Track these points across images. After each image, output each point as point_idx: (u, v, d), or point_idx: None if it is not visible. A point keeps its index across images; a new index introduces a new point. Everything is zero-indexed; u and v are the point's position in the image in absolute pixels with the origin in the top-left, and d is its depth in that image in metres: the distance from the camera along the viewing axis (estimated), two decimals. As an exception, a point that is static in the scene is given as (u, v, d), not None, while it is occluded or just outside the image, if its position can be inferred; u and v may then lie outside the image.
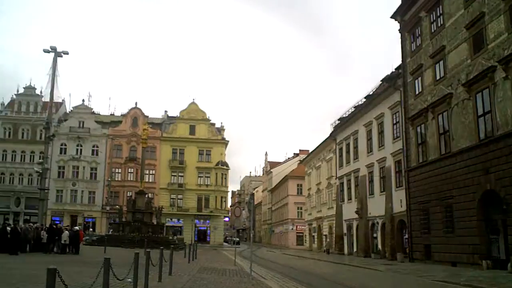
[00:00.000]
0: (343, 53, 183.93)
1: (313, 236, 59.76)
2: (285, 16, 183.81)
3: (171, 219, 66.90)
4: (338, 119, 47.79)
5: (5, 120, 69.02)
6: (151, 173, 67.54)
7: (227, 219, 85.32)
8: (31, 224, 27.61)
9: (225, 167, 68.27)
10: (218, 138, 69.56)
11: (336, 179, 48.17)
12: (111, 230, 47.44)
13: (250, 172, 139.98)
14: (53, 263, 19.01)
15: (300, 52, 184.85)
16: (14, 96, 71.12)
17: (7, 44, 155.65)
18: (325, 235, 52.31)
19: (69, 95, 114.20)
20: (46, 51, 31.08)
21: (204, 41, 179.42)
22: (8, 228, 24.50)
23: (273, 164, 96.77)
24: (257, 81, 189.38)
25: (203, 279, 16.12)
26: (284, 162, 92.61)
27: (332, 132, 49.54)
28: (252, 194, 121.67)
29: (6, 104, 70.91)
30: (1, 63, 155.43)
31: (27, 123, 67.73)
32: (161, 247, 15.49)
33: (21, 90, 70.31)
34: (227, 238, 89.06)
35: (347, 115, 45.05)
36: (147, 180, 63.65)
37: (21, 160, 67.94)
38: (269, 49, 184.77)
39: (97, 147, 68.52)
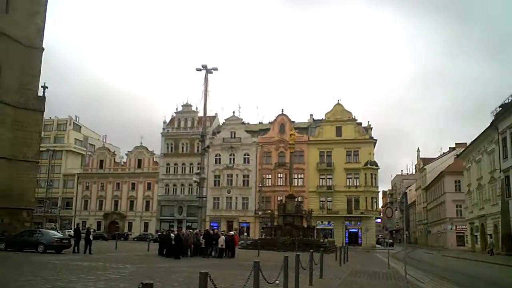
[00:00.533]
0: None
1: (476, 236, 54.55)
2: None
3: (321, 222, 66.79)
4: (500, 106, 43.02)
5: (167, 136, 76.18)
6: (299, 177, 68.44)
7: (378, 220, 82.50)
8: (191, 230, 29.52)
9: (374, 166, 66.22)
10: (365, 137, 67.87)
11: (500, 172, 43.34)
12: (263, 234, 48.84)
13: (402, 171, 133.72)
14: (211, 266, 20.15)
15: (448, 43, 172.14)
16: (174, 114, 78.21)
17: (166, 66, 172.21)
18: (490, 235, 47.34)
19: (221, 109, 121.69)
20: (198, 69, 33.23)
21: (345, 40, 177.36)
22: (172, 235, 26.50)
23: (427, 161, 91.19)
24: (406, 74, 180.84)
25: (355, 283, 15.51)
26: (439, 157, 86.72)
27: (493, 120, 44.76)
28: (405, 194, 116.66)
29: (167, 122, 78.23)
30: (162, 87, 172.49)
31: (185, 138, 74.05)
32: (311, 250, 15.20)
33: (180, 108, 77.02)
34: (380, 239, 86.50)
35: (510, 100, 40.26)
36: (296, 184, 64.50)
37: (182, 172, 74.12)
38: (415, 45, 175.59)
39: (248, 155, 71.65)
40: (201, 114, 39.29)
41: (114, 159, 79.96)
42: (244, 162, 71.53)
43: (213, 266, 20.68)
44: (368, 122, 70.41)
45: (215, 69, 33.49)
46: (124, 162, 79.54)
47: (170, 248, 26.04)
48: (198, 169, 40.31)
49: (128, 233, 69.85)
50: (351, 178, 67.20)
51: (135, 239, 63.45)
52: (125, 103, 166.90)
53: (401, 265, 25.14)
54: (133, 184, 76.69)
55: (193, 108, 75.07)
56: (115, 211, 76.55)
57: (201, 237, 28.34)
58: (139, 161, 77.53)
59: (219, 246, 27.25)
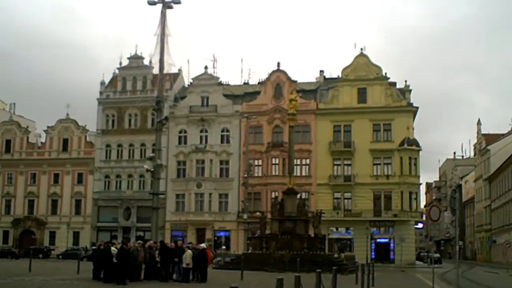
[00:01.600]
0: None
1: None
2: None
3: (336, 229, 67.04)
4: None
5: (107, 105, 75.95)
6: (304, 163, 68.57)
7: (420, 225, 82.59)
8: (140, 242, 29.33)
9: (414, 147, 66.38)
10: (401, 104, 67.86)
11: None
12: (250, 247, 48.85)
13: (454, 153, 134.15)
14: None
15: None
16: (117, 71, 77.69)
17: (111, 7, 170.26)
18: None
19: (188, 62, 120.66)
20: (151, 2, 32.78)
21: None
22: (114, 249, 26.33)
23: (491, 138, 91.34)
24: (461, 14, 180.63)
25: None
26: (509, 133, 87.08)
27: None
28: (458, 187, 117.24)
29: (107, 83, 77.79)
30: (99, 30, 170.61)
31: (134, 106, 73.88)
32: (319, 270, 15.17)
33: (125, 62, 76.78)
34: (421, 254, 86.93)
35: None
36: (298, 174, 64.54)
37: (129, 157, 74.15)
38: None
39: (228, 131, 71.68)
40: (157, 70, 38.90)
41: (27, 138, 79.43)
42: (222, 141, 71.65)
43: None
44: (406, 82, 70.41)
45: (177, 2, 33.02)
46: (42, 143, 79.14)
47: (111, 269, 25.86)
48: (152, 153, 39.77)
49: (50, 248, 69.71)
50: (379, 164, 67.36)
51: (60, 256, 63.29)
52: (43, 54, 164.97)
53: (451, 290, 25.26)
54: (56, 175, 76.46)
55: (145, 62, 74.56)
56: (29, 215, 76.33)
57: (157, 252, 28.19)
58: (65, 141, 77.16)
59: (184, 265, 27.17)
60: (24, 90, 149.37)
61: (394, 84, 70.26)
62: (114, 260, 25.68)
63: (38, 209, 76.35)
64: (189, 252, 27.46)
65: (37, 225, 75.80)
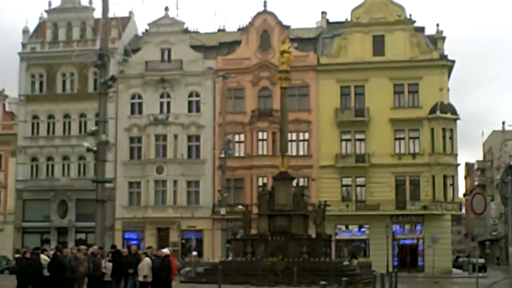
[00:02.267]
0: None
1: None
2: None
3: (346, 227, 67.51)
4: None
5: (32, 62, 75.23)
6: (301, 138, 68.89)
7: (458, 222, 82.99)
8: (83, 247, 29.08)
9: (449, 115, 66.54)
10: (432, 57, 67.94)
11: None
12: (230, 253, 48.86)
13: (504, 123, 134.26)
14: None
15: None
16: (45, 15, 77.00)
17: None
18: None
19: (141, 2, 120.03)
20: None
21: None
22: (45, 258, 26.10)
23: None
24: None
25: None
26: None
27: None
28: (510, 168, 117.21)
29: (31, 32, 77.03)
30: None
31: (68, 63, 72.84)
32: (324, 283, 15.14)
33: (56, 3, 76.07)
34: (460, 259, 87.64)
35: None
36: (294, 153, 64.62)
37: (64, 132, 73.89)
38: None
39: (198, 95, 71.72)
40: (99, 14, 38.56)
41: None
42: (191, 110, 71.91)
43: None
44: (438, 26, 70.43)
45: None
46: None
47: (41, 285, 25.68)
48: (94, 126, 39.16)
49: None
50: (403, 138, 67.66)
51: (-27, 268, 63.07)
52: None
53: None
54: (-37, 158, 75.80)
55: (83, 2, 74.76)
56: None
57: (104, 260, 28.02)
58: (-24, 111, 76.30)
59: (141, 278, 26.96)
60: None
61: (422, 29, 70.41)
62: (46, 272, 25.47)
63: None
64: (146, 260, 27.16)
65: None
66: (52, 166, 73.76)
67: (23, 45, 75.72)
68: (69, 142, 72.55)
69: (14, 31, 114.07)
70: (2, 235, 73.55)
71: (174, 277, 28.67)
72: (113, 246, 31.06)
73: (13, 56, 75.94)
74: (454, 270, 71.43)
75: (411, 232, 67.67)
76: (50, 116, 74.21)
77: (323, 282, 14.76)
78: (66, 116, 73.84)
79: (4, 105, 76.71)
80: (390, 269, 47.28)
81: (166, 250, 28.88)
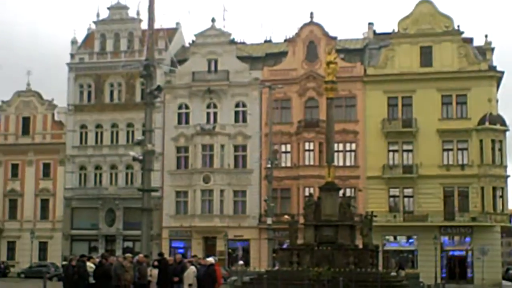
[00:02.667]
0: None
1: None
2: None
3: (394, 238, 67.07)
4: None
5: (81, 72, 75.94)
6: (348, 148, 68.65)
7: (508, 233, 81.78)
8: (129, 255, 29.18)
9: (499, 126, 65.78)
10: (481, 68, 67.23)
11: None
12: (277, 263, 48.77)
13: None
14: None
15: None
16: (93, 26, 77.75)
17: None
18: None
19: (188, 14, 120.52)
20: None
21: None
22: (91, 265, 26.23)
23: None
24: None
25: None
26: None
27: None
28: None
29: (80, 42, 77.83)
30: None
31: (116, 73, 73.77)
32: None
33: (104, 14, 76.84)
34: (510, 271, 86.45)
35: None
36: (341, 164, 64.58)
37: (112, 141, 74.45)
38: None
39: (244, 105, 71.74)
40: (146, 25, 38.70)
41: (-26, 117, 79.79)
42: (237, 120, 71.92)
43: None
44: (486, 37, 69.70)
45: None
46: (-5, 124, 79.35)
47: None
48: (141, 135, 39.50)
49: (8, 264, 70.30)
50: (451, 149, 67.07)
51: (22, 275, 63.73)
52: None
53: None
54: (14, 167, 77.02)
55: (131, 14, 75.09)
56: (-21, 221, 76.75)
57: (150, 268, 28.09)
58: (25, 121, 77.55)
59: (186, 286, 26.99)
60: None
61: (470, 40, 69.64)
62: (91, 280, 25.57)
63: (-7, 212, 76.85)
64: (192, 269, 27.25)
65: (-9, 234, 76.28)
66: (100, 175, 74.30)
67: (72, 56, 76.52)
68: (116, 151, 72.98)
69: (63, 42, 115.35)
70: (51, 243, 74.34)
71: (219, 286, 28.70)
72: (160, 254, 31.11)
73: (62, 67, 76.75)
74: (504, 283, 70.59)
75: (460, 243, 67.04)
76: (98, 126, 74.77)
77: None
78: (114, 125, 74.37)
79: (53, 115, 77.42)
80: (438, 281, 46.81)
81: (211, 259, 28.91)
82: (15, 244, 75.71)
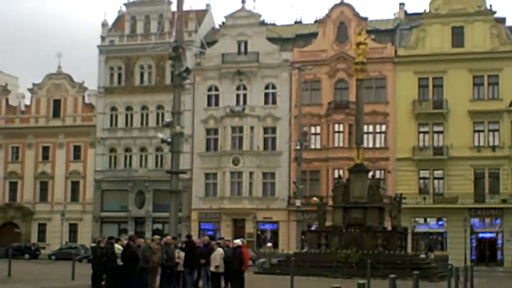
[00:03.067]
0: None
1: None
2: None
3: (424, 220, 66.89)
4: None
5: (111, 54, 76.40)
6: (378, 130, 68.53)
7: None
8: (157, 237, 29.16)
9: (530, 108, 65.28)
10: (512, 48, 66.66)
11: None
12: (305, 245, 48.81)
13: None
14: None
15: None
16: (123, 9, 77.95)
17: None
18: None
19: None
20: None
21: None
22: (118, 247, 26.21)
23: None
24: None
25: None
26: None
27: None
28: None
29: (110, 25, 78.16)
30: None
31: (146, 55, 73.84)
32: (393, 276, 14.78)
33: (134, -3, 76.98)
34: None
35: None
36: (370, 145, 64.59)
37: (142, 124, 74.73)
38: None
39: (274, 87, 71.69)
40: (176, 7, 38.60)
41: (7, 99, 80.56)
42: (267, 102, 71.93)
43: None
44: (519, 16, 68.93)
45: None
46: (26, 106, 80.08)
47: (114, 274, 25.86)
48: (170, 117, 39.64)
49: (39, 245, 71.00)
50: (482, 131, 66.63)
51: (53, 257, 64.34)
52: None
53: None
54: (45, 149, 77.53)
55: (162, -3, 75.21)
56: (11, 202, 77.67)
57: (178, 250, 28.04)
58: (56, 103, 78.11)
59: (212, 268, 26.85)
60: (2, 36, 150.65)
61: (502, 20, 69.20)
62: (119, 262, 25.61)
63: (23, 194, 77.57)
64: (219, 251, 27.06)
65: (22, 215, 76.91)
66: (130, 157, 74.69)
67: (102, 38, 76.81)
68: (146, 133, 73.19)
69: (93, 25, 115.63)
70: (81, 225, 74.97)
71: (246, 268, 28.57)
72: (188, 236, 31.10)
73: (92, 49, 77.01)
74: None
75: (490, 225, 66.75)
76: (128, 108, 75.07)
77: (392, 276, 14.34)
78: (144, 108, 74.61)
79: (83, 97, 77.87)
80: (468, 263, 46.45)
81: (238, 241, 28.73)
82: (46, 226, 76.46)
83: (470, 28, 67.78)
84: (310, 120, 68.41)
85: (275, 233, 69.52)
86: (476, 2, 67.94)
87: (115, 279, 25.94)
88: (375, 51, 61.91)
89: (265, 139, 71.13)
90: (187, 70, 34.85)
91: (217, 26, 78.47)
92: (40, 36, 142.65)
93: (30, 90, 79.87)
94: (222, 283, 27.59)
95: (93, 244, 36.80)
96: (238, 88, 72.12)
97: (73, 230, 75.24)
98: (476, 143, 66.68)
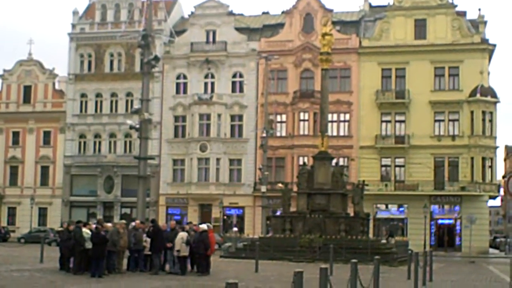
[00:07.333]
0: None
1: None
2: None
3: (385, 206, 67.38)
4: None
5: (81, 41, 75.86)
6: (342, 119, 68.78)
7: (495, 202, 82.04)
8: (123, 222, 29.23)
9: (489, 97, 65.75)
10: (473, 40, 67.15)
11: None
12: (270, 230, 49.08)
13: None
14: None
15: None
16: (94, -3, 77.10)
17: None
18: None
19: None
20: None
21: None
22: (87, 231, 26.20)
23: None
24: None
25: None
26: None
27: None
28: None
29: (81, 13, 77.52)
30: None
31: (116, 43, 73.42)
32: (355, 260, 14.80)
33: (105, -15, 76.37)
34: (497, 239, 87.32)
35: None
36: (334, 133, 64.83)
37: (111, 110, 74.37)
38: None
39: (241, 76, 71.68)
40: (145, -5, 38.61)
41: (-23, 85, 79.59)
42: (234, 90, 71.94)
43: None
44: (479, 11, 69.54)
45: None
46: (-4, 92, 79.32)
47: (83, 257, 25.87)
48: (139, 105, 39.75)
49: (8, 229, 70.65)
50: (442, 120, 67.14)
51: (22, 240, 63.92)
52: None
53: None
54: (15, 134, 77.12)
55: (130, -16, 74.87)
56: (-19, 187, 77.00)
57: (145, 234, 28.11)
58: (27, 89, 77.56)
59: (175, 252, 27.13)
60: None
61: (463, 14, 69.51)
62: (88, 245, 25.61)
63: (-7, 178, 77.07)
64: (180, 235, 27.28)
65: (-8, 199, 76.56)
66: (99, 143, 74.37)
67: (73, 26, 76.27)
68: (116, 120, 72.78)
69: (64, 12, 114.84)
70: (51, 209, 74.60)
71: (212, 252, 28.78)
72: (153, 221, 31.29)
73: (63, 36, 76.74)
74: (491, 250, 71.22)
75: (449, 212, 67.48)
76: (98, 95, 74.70)
77: (354, 260, 14.39)
78: (113, 95, 74.30)
79: (54, 84, 77.36)
80: (427, 248, 46.89)
81: (204, 226, 29.01)
82: (16, 210, 76.13)
83: (432, 21, 68.12)
84: (276, 109, 68.27)
85: (241, 218, 69.70)
86: (439, -5, 68.46)
87: (82, 261, 25.99)
88: (340, 42, 62.27)
89: (232, 127, 71.16)
90: (156, 58, 34.94)
91: (186, 16, 78.24)
92: (11, 22, 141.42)
93: (0, 76, 79.12)
94: (189, 266, 27.88)
95: (60, 228, 36.77)
96: (206, 77, 72.05)
97: (42, 214, 74.98)
98: (436, 133, 67.21)
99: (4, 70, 78.66)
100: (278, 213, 50.57)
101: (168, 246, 27.56)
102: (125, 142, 72.95)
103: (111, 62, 75.23)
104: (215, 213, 68.90)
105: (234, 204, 69.99)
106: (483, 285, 28.81)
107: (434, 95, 67.23)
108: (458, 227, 66.67)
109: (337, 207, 44.91)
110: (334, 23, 61.82)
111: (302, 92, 68.73)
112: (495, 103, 66.62)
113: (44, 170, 75.99)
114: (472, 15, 69.75)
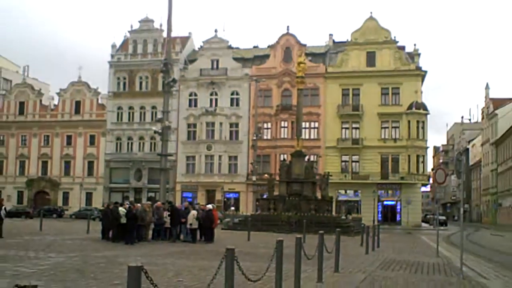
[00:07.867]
0: None
1: None
2: None
3: (344, 192, 67.31)
4: None
5: (118, 67, 75.63)
6: (312, 126, 68.64)
7: (426, 188, 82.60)
8: (148, 203, 29.36)
9: (422, 110, 66.08)
10: (410, 68, 67.40)
11: None
12: (258, 209, 49.22)
13: (462, 118, 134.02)
14: (174, 255, 19.98)
15: None
16: (128, 35, 77.20)
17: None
18: None
19: (198, 27, 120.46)
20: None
21: None
22: (122, 209, 26.31)
23: (498, 103, 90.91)
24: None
25: (386, 279, 15.34)
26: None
27: None
28: (466, 150, 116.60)
29: (118, 46, 77.43)
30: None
31: (145, 69, 74.03)
32: (321, 231, 14.78)
33: (136, 26, 76.32)
34: (428, 216, 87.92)
35: None
36: (307, 137, 64.59)
37: (140, 119, 74.16)
38: None
39: (237, 94, 71.60)
40: (166, 34, 38.63)
41: (41, 100, 79.56)
42: (232, 104, 71.53)
43: (178, 255, 20.67)
44: (415, 45, 70.13)
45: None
46: (55, 105, 79.29)
47: (119, 229, 26.02)
48: (161, 115, 40.12)
49: (63, 208, 70.49)
50: (387, 127, 67.23)
51: (73, 216, 64.00)
52: (54, 16, 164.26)
53: (456, 252, 25.11)
54: (68, 137, 76.74)
55: (156, 26, 74.64)
56: (43, 176, 76.99)
57: (166, 212, 28.29)
58: (77, 103, 77.25)
59: (188, 225, 27.37)
60: (37, 53, 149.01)
61: (403, 48, 69.79)
62: (123, 220, 25.76)
63: (52, 170, 76.88)
64: (192, 212, 27.72)
65: (51, 186, 76.46)
66: (131, 143, 74.04)
67: (112, 56, 76.09)
68: (144, 126, 72.45)
69: (105, 46, 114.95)
70: (95, 193, 74.35)
71: (216, 226, 29.06)
72: (170, 202, 31.69)
73: (104, 64, 76.71)
74: (423, 224, 71.57)
75: (392, 195, 67.54)
76: (130, 108, 74.35)
77: (321, 231, 14.43)
78: (142, 107, 73.97)
79: (97, 99, 77.18)
80: (376, 223, 47.09)
81: (209, 206, 29.37)
82: (69, 194, 75.84)
83: (380, 53, 68.28)
84: (263, 118, 68.32)
85: (237, 200, 69.59)
86: (384, 34, 68.52)
87: (119, 232, 26.05)
88: (311, 69, 62.17)
89: (231, 132, 70.91)
90: (174, 81, 35.07)
91: (196, 48, 77.93)
92: (65, 56, 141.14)
93: (58, 93, 79.14)
94: (198, 236, 27.98)
95: (102, 207, 36.80)
96: (211, 94, 71.85)
97: (88, 197, 74.71)
98: (383, 136, 67.33)
99: (60, 89, 78.53)
100: (264, 196, 50.53)
101: (182, 221, 27.87)
102: (151, 143, 72.47)
103: (140, 83, 74.95)
104: (218, 196, 68.99)
105: (232, 190, 70.04)
106: (418, 249, 28.94)
107: (381, 108, 67.25)
108: (398, 207, 67.04)
109: (308, 192, 45.19)
110: (306, 54, 61.78)
111: (283, 106, 68.58)
112: (426, 114, 66.83)
113: (90, 164, 75.73)
114: (409, 48, 70.04)
